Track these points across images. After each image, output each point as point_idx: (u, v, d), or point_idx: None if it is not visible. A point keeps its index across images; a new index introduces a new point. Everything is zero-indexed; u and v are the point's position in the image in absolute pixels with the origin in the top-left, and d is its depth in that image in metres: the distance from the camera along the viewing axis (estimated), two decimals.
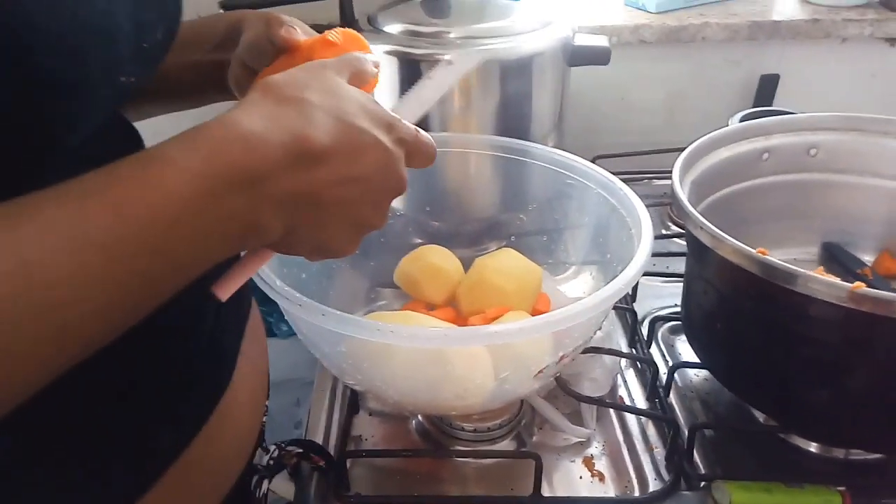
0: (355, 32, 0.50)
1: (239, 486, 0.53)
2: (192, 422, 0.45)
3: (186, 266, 0.33)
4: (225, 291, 0.41)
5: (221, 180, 0.32)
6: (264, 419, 0.60)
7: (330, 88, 0.38)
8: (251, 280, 0.55)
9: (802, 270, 0.52)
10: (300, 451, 0.61)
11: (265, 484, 0.56)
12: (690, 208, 0.60)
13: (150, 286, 0.32)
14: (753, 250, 0.55)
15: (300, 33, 0.47)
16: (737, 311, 0.61)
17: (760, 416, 0.69)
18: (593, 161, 0.74)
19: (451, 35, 0.82)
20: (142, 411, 0.42)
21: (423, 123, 0.82)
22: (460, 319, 0.72)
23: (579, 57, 0.87)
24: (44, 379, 0.29)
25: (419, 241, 0.85)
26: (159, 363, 0.44)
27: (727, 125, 0.82)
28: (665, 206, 1.02)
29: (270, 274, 0.53)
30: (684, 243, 0.93)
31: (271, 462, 0.58)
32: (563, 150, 0.77)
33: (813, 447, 0.66)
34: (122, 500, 0.41)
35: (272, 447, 0.60)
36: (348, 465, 0.63)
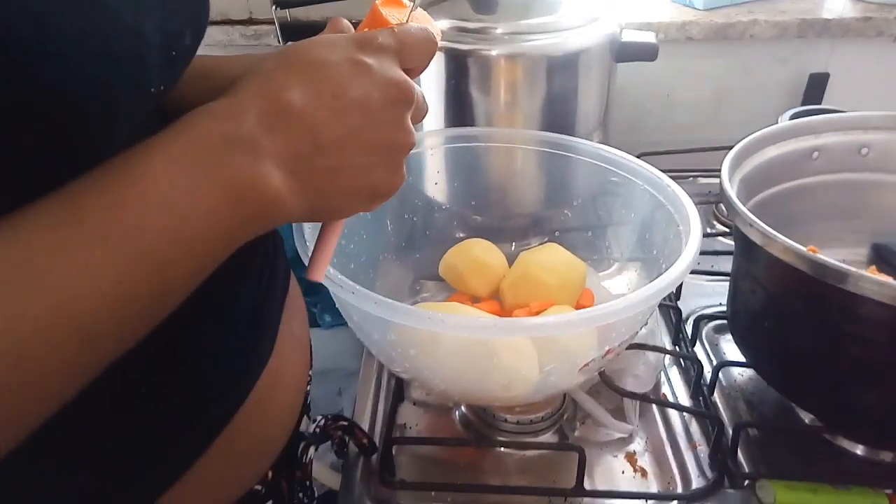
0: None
1: (286, 453, 0.54)
2: (238, 390, 0.46)
3: (217, 259, 0.34)
4: (318, 274, 0.42)
5: (207, 153, 0.32)
6: (308, 388, 0.61)
7: (294, 49, 0.37)
8: (288, 255, 0.56)
9: (854, 269, 0.52)
10: (345, 424, 0.62)
11: (311, 451, 0.58)
12: (740, 205, 0.60)
13: (176, 293, 0.33)
14: (804, 248, 0.54)
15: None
16: (785, 310, 0.61)
17: (805, 417, 0.69)
18: (638, 158, 0.74)
19: (498, 31, 0.82)
20: (189, 382, 0.44)
21: (469, 118, 0.85)
22: (504, 313, 0.73)
23: (626, 53, 0.87)
24: (82, 382, 0.31)
25: (462, 234, 0.86)
26: (205, 334, 0.45)
27: (776, 123, 0.81)
28: (710, 205, 1.01)
29: None
30: (729, 242, 0.93)
31: (318, 430, 0.60)
32: (609, 146, 0.77)
33: (859, 449, 0.66)
34: (175, 468, 0.43)
35: (318, 417, 0.61)
36: (393, 451, 0.65)
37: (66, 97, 0.29)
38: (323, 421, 0.60)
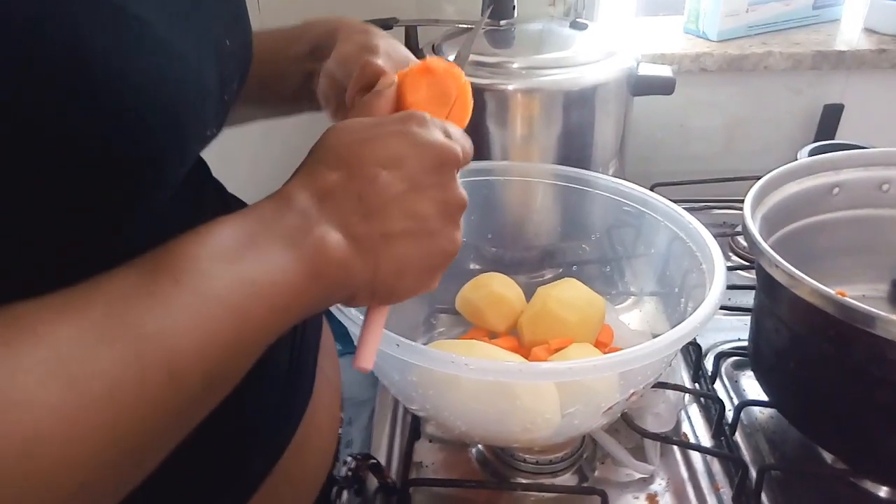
0: (457, 68, 0.47)
1: (320, 498, 0.54)
2: (280, 440, 0.46)
3: (295, 315, 0.35)
4: (368, 361, 0.41)
5: (264, 217, 0.34)
6: (340, 431, 0.60)
7: (335, 132, 0.39)
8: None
9: (882, 313, 0.51)
10: (374, 461, 0.61)
11: (345, 494, 0.57)
12: (765, 246, 0.59)
13: (254, 343, 0.33)
14: (832, 291, 0.54)
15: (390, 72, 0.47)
16: (811, 351, 0.60)
17: (828, 457, 0.68)
18: (651, 189, 0.74)
19: (515, 65, 0.83)
20: (233, 434, 0.43)
21: (485, 152, 0.85)
22: (522, 349, 0.72)
23: (643, 87, 0.87)
24: (174, 434, 0.31)
25: (477, 267, 0.86)
26: (246, 386, 0.44)
27: (792, 156, 0.81)
28: (726, 237, 1.01)
29: None
30: (747, 275, 0.92)
31: (349, 473, 0.59)
32: (624, 178, 0.77)
33: (884, 492, 0.64)
34: None
35: (349, 458, 0.60)
36: (410, 491, 0.64)
37: (148, 133, 0.30)
38: (354, 463, 0.60)
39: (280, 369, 0.47)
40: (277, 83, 0.55)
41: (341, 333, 0.60)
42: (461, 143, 0.41)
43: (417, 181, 0.37)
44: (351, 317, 0.52)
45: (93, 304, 0.28)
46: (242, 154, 0.96)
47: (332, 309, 0.54)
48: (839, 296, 0.53)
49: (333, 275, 0.35)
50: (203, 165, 0.48)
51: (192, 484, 0.41)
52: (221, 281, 0.31)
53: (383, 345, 0.51)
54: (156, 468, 0.35)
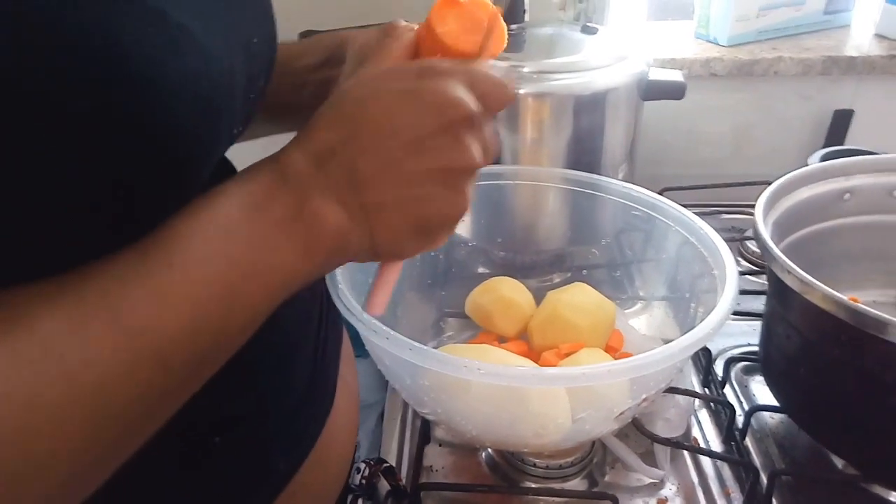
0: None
1: None
2: (302, 448, 0.46)
3: (284, 289, 0.34)
4: (379, 308, 0.41)
5: (260, 187, 0.34)
6: (358, 438, 0.61)
7: (350, 87, 0.38)
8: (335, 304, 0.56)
9: (895, 319, 0.51)
10: (388, 465, 0.62)
11: (360, 502, 0.57)
12: (777, 251, 0.59)
13: (244, 322, 0.33)
14: (845, 297, 0.54)
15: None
16: (823, 357, 0.60)
17: (839, 462, 0.68)
18: (660, 193, 0.74)
19: (525, 69, 0.83)
20: (256, 440, 0.43)
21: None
22: (532, 353, 0.72)
23: (654, 91, 0.87)
24: (159, 415, 0.31)
25: (486, 271, 0.86)
26: (271, 392, 0.44)
27: (801, 162, 0.81)
28: (735, 242, 1.00)
29: (356, 304, 0.54)
30: (756, 280, 0.92)
31: (363, 481, 0.59)
32: (633, 182, 0.77)
33: (895, 497, 0.64)
34: None
35: (362, 465, 0.61)
36: (421, 495, 0.64)
37: (180, 133, 0.30)
38: (367, 470, 0.60)
39: (303, 379, 0.47)
40: (289, 95, 0.54)
41: (353, 335, 0.60)
42: (487, 87, 0.38)
43: (417, 146, 0.36)
44: (371, 325, 0.52)
45: (88, 291, 0.28)
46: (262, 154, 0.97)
47: (345, 314, 0.54)
48: (852, 301, 0.53)
49: (329, 246, 0.35)
50: (228, 165, 0.49)
51: (215, 485, 0.41)
52: (215, 265, 0.31)
53: (397, 349, 0.51)
54: (175, 472, 0.35)
